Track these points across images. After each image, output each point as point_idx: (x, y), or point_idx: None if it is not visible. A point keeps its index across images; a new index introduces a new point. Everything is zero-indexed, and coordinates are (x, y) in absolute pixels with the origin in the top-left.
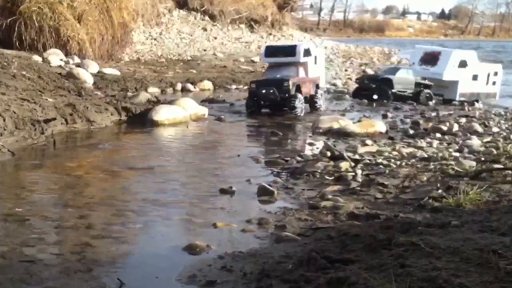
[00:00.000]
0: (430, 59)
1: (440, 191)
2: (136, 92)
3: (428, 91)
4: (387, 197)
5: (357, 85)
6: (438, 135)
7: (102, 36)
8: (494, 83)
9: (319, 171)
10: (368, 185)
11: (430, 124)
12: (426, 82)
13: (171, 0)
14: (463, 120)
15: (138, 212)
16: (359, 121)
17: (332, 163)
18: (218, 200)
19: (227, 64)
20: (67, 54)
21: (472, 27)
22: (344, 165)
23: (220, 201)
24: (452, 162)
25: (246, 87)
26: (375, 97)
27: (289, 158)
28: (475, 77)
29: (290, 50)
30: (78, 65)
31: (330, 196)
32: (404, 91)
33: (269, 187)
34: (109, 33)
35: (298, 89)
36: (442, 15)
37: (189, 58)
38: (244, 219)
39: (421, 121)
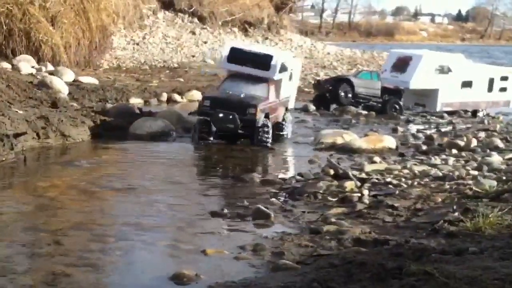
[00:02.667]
0: (401, 65)
1: (456, 214)
2: (116, 103)
3: (398, 101)
4: (397, 220)
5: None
6: (454, 151)
7: (78, 41)
8: (503, 89)
9: (321, 191)
10: (376, 207)
11: (446, 139)
12: (397, 88)
13: (156, 0)
14: (482, 134)
15: (119, 237)
16: (365, 135)
17: (335, 182)
18: (208, 223)
19: (218, 71)
20: (39, 60)
21: (493, 30)
22: (349, 184)
23: (211, 225)
24: (470, 182)
25: None
26: (331, 103)
27: (287, 177)
28: (466, 84)
29: (264, 61)
30: (51, 73)
31: (333, 220)
32: (368, 97)
33: (265, 209)
34: (86, 37)
35: (266, 116)
36: (459, 17)
37: (176, 65)
38: (237, 245)
39: (435, 136)
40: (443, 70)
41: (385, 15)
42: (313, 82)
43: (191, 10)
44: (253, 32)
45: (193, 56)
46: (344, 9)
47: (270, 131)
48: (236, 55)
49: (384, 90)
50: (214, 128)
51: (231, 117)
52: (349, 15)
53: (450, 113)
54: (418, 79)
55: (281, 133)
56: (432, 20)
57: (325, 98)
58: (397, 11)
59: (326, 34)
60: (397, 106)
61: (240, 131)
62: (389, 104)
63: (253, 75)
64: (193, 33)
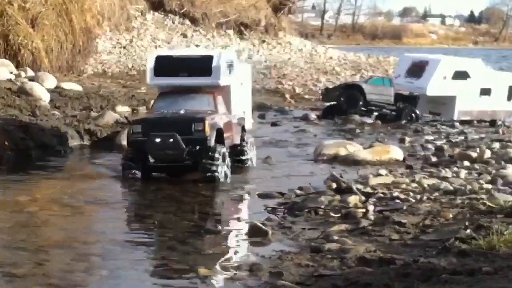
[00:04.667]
0: (417, 70)
1: (468, 231)
2: (101, 111)
3: (414, 109)
4: (405, 238)
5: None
6: (466, 163)
7: (61, 44)
8: None
9: (322, 206)
10: (382, 224)
11: (457, 150)
12: (412, 94)
13: (144, 0)
14: (496, 145)
15: (105, 256)
16: (370, 146)
17: (338, 197)
18: (201, 241)
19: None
20: (18, 65)
21: (508, 32)
22: (352, 199)
23: (204, 243)
24: (484, 196)
25: None
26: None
27: (286, 191)
28: (485, 92)
29: (202, 65)
30: (31, 79)
31: (336, 237)
32: (380, 104)
33: (262, 226)
34: (69, 40)
35: (218, 136)
36: (471, 19)
37: None
38: (232, 265)
39: (445, 147)
40: (461, 76)
41: (391, 17)
42: (320, 90)
43: (182, 11)
44: (249, 35)
45: None
46: (347, 10)
47: (226, 159)
48: (164, 65)
49: (398, 97)
50: (152, 160)
51: (171, 140)
52: (353, 17)
53: (462, 123)
54: (436, 85)
55: (241, 158)
56: (443, 22)
57: (336, 108)
58: (405, 12)
59: (328, 37)
60: (413, 115)
61: (187, 160)
62: (405, 112)
63: (192, 86)
64: (185, 35)
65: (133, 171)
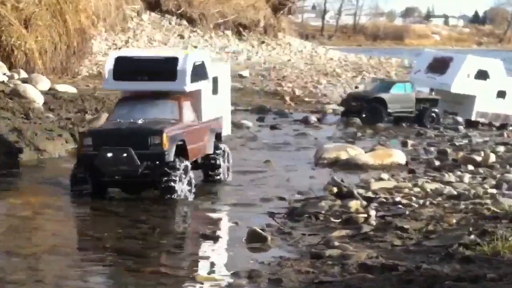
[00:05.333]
0: (440, 65)
1: (472, 236)
2: (96, 114)
3: (435, 109)
4: (407, 244)
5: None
6: (470, 167)
7: (55, 45)
8: None
9: (323, 211)
10: (384, 230)
11: (461, 154)
12: (432, 96)
13: (140, 0)
14: (501, 148)
15: (100, 262)
16: (372, 149)
17: (339, 202)
18: (198, 247)
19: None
20: (11, 67)
21: None
22: (354, 204)
23: (202, 249)
24: (488, 201)
25: (233, 108)
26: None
27: (286, 196)
28: (501, 94)
29: (166, 68)
30: (25, 81)
31: (336, 243)
32: (404, 113)
33: (261, 231)
34: (63, 41)
35: (181, 149)
36: (475, 19)
37: None
38: (230, 271)
39: (449, 150)
40: (482, 76)
41: (393, 17)
42: (340, 98)
43: (179, 11)
44: (248, 36)
45: None
46: (348, 10)
47: (188, 177)
48: (125, 68)
49: (419, 100)
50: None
51: (125, 154)
52: (354, 17)
53: (466, 126)
54: (460, 82)
55: (214, 172)
56: (446, 22)
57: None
58: (407, 13)
59: (328, 38)
60: (434, 116)
61: (143, 177)
62: (426, 114)
63: (155, 92)
64: (182, 36)
65: (82, 188)
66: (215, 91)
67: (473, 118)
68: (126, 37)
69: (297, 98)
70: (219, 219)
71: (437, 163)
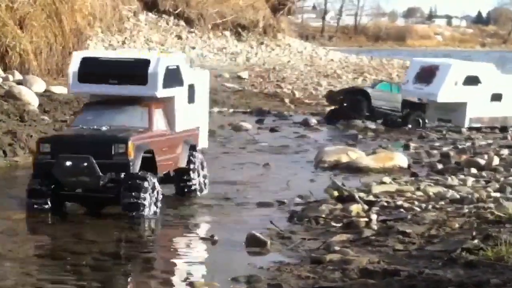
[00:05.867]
0: (426, 75)
1: (476, 241)
2: None
3: (420, 113)
4: (409, 248)
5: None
6: (473, 170)
7: (50, 46)
8: None
9: (323, 215)
10: (386, 234)
11: (464, 157)
12: (421, 101)
13: (137, 1)
14: (505, 151)
15: (96, 267)
16: (374, 152)
17: (340, 205)
18: (196, 251)
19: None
20: (5, 68)
21: None
22: (355, 208)
23: (199, 253)
24: (492, 205)
25: (231, 110)
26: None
27: (285, 200)
28: (496, 97)
29: (136, 71)
30: (19, 83)
31: (337, 248)
32: (386, 111)
33: (260, 235)
34: (59, 42)
35: (149, 160)
36: (479, 20)
37: None
38: (229, 277)
39: (452, 153)
40: (472, 82)
41: (395, 17)
42: (325, 93)
43: (177, 11)
44: (246, 36)
45: None
46: (349, 11)
47: (155, 191)
48: (91, 70)
49: (406, 103)
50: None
51: (85, 164)
52: (355, 17)
53: (469, 128)
54: (446, 91)
55: (188, 185)
56: (449, 23)
57: (340, 113)
58: (409, 13)
59: (329, 39)
60: (420, 121)
61: (106, 189)
62: (411, 119)
63: (124, 97)
64: (180, 37)
65: (39, 201)
66: (191, 99)
67: (466, 125)
68: (122, 38)
69: (297, 100)
70: (218, 223)
71: (439, 166)
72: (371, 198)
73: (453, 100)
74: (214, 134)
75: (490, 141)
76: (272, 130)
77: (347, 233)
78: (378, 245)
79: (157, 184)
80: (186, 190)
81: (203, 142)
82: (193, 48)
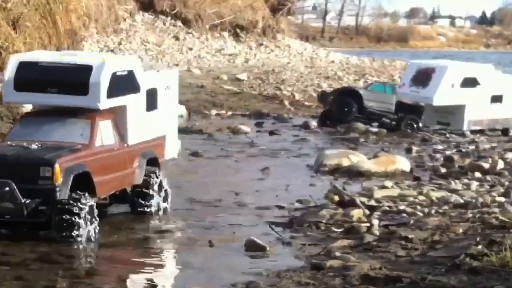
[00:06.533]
0: (422, 78)
1: (480, 246)
2: None
3: (414, 116)
4: (412, 254)
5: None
6: (477, 174)
7: (44, 47)
8: None
9: (324, 221)
10: (387, 240)
11: (468, 161)
12: (415, 104)
13: (133, 1)
14: (510, 155)
15: (91, 271)
16: (375, 156)
17: (340, 210)
18: (193, 256)
19: (205, 82)
20: None
21: None
22: (356, 213)
23: (196, 258)
24: (496, 210)
25: (229, 113)
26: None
27: (285, 204)
28: (496, 99)
29: (77, 79)
30: None
31: (338, 254)
32: (379, 113)
33: (259, 241)
34: (53, 43)
35: (87, 182)
36: (483, 20)
37: None
38: (227, 283)
39: (455, 157)
40: (471, 84)
41: (397, 18)
42: (317, 94)
43: (174, 11)
44: (245, 37)
45: (177, 65)
46: (350, 11)
47: (93, 214)
48: (28, 76)
49: (401, 106)
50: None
51: (7, 188)
52: (356, 18)
53: (473, 131)
54: (443, 94)
55: (142, 204)
56: (452, 24)
57: (330, 114)
58: (412, 13)
59: (329, 40)
60: (414, 124)
61: (34, 216)
62: (404, 122)
63: (65, 108)
64: (177, 38)
65: None
66: (151, 106)
67: (465, 128)
68: (118, 39)
69: (296, 102)
70: (216, 228)
71: (443, 170)
72: (372, 202)
73: (450, 103)
74: (212, 138)
75: (494, 144)
76: (271, 133)
77: (348, 239)
78: (380, 251)
79: (94, 209)
80: (140, 210)
81: (171, 152)
82: (191, 49)
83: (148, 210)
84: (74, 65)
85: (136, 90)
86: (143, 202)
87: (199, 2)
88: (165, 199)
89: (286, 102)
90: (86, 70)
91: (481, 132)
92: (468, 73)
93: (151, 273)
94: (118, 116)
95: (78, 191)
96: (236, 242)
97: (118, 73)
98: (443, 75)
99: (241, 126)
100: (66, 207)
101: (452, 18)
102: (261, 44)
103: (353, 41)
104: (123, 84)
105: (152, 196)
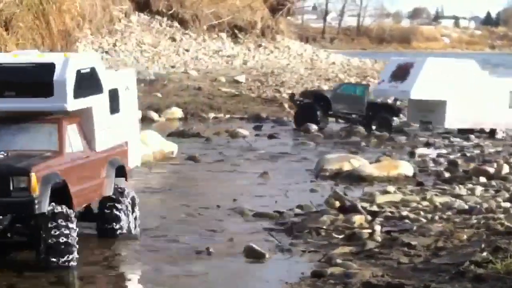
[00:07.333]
0: (401, 73)
1: (485, 253)
2: None
3: (386, 115)
4: (415, 261)
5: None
6: (482, 179)
7: (37, 48)
8: None
9: (324, 227)
10: (390, 246)
11: (472, 165)
12: (389, 103)
13: (129, 1)
14: None
15: (86, 280)
16: (377, 160)
17: (341, 216)
18: (190, 264)
19: (202, 85)
20: None
21: None
22: (357, 219)
23: (194, 266)
24: (501, 216)
25: (227, 116)
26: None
27: (285, 210)
28: (481, 98)
29: (39, 79)
30: None
31: (339, 261)
32: (348, 116)
33: (258, 248)
34: (46, 44)
35: (61, 193)
36: (488, 21)
37: (153, 77)
38: None
39: (460, 161)
40: (453, 80)
41: (400, 18)
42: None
43: (170, 12)
44: (244, 38)
45: (173, 67)
46: (351, 11)
47: (71, 233)
48: None
49: (372, 106)
50: None
51: None
52: (358, 18)
53: (463, 132)
54: (421, 87)
55: (111, 223)
56: (456, 24)
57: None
58: (415, 14)
59: (330, 41)
60: (387, 124)
61: (14, 233)
62: (375, 122)
63: (26, 112)
64: (173, 39)
65: None
66: (114, 109)
67: (445, 125)
68: (113, 40)
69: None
70: (213, 236)
71: (447, 174)
72: (374, 208)
73: (428, 97)
74: (210, 141)
75: (499, 149)
76: (271, 137)
77: (349, 245)
78: (382, 258)
79: (74, 224)
80: (108, 229)
81: (134, 159)
82: (187, 50)
83: (117, 231)
84: (33, 64)
85: (100, 91)
86: (110, 222)
87: (196, 2)
88: (135, 223)
89: (286, 105)
90: (48, 68)
91: (469, 132)
92: (450, 68)
93: (146, 282)
94: (83, 119)
95: (54, 204)
96: (234, 249)
97: (82, 71)
98: (421, 69)
99: (240, 129)
100: (61, 228)
101: (456, 19)
102: (260, 45)
103: (355, 42)
104: (87, 83)
105: (120, 213)
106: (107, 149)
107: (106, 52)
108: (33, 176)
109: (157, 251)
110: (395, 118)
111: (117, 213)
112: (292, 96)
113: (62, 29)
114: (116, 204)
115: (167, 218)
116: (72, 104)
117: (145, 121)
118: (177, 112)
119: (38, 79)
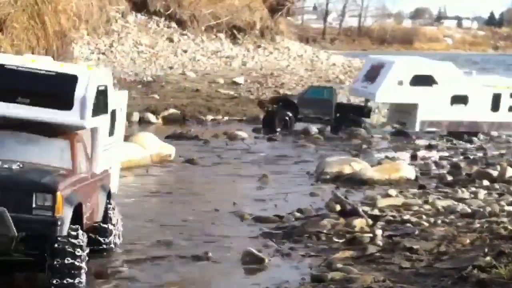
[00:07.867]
0: (373, 74)
1: (488, 258)
2: None
3: (356, 117)
4: (417, 266)
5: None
6: (485, 182)
7: (32, 49)
8: None
9: (325, 231)
10: (391, 251)
11: (475, 168)
12: (356, 104)
13: (126, 1)
14: None
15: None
16: (378, 163)
17: (342, 220)
18: (188, 269)
19: (200, 86)
20: None
21: None
22: (358, 223)
23: (191, 271)
24: (505, 219)
25: (226, 118)
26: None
27: (284, 214)
28: (458, 100)
29: (59, 90)
30: None
31: (339, 265)
32: (315, 120)
33: (257, 252)
34: (42, 45)
35: (76, 215)
36: (491, 21)
37: (150, 78)
38: None
39: (462, 164)
40: (425, 82)
41: (402, 19)
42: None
43: (168, 12)
44: (243, 39)
45: (171, 68)
46: (352, 11)
47: (84, 255)
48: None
49: (341, 108)
50: None
51: None
52: (359, 19)
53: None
54: (387, 91)
55: (102, 240)
56: (459, 25)
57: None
58: (417, 14)
59: (331, 42)
60: (350, 124)
61: (21, 252)
62: (344, 124)
63: (38, 124)
64: (171, 40)
65: None
66: (111, 131)
67: (417, 128)
68: (110, 41)
69: None
70: (213, 240)
71: (449, 178)
72: (376, 212)
73: (396, 101)
74: (208, 144)
75: (503, 151)
76: (270, 139)
77: (350, 250)
78: (384, 262)
79: (85, 245)
80: (98, 244)
81: (114, 186)
82: (185, 51)
83: (105, 245)
84: (55, 72)
85: (106, 111)
86: (102, 239)
87: (194, 2)
88: (116, 240)
89: None
90: (70, 80)
91: (455, 135)
92: (420, 70)
93: (142, 286)
94: (87, 139)
95: (72, 226)
96: (233, 253)
97: (99, 88)
98: (388, 71)
99: (238, 132)
100: (67, 247)
101: (459, 19)
102: (259, 46)
103: (356, 43)
104: (101, 101)
105: (109, 233)
106: (101, 173)
107: (103, 53)
108: (59, 195)
109: (154, 256)
110: (365, 119)
111: (107, 231)
112: (260, 102)
113: (57, 30)
114: (107, 224)
115: (164, 222)
116: (90, 121)
117: (142, 123)
118: (175, 115)
119: (58, 90)
